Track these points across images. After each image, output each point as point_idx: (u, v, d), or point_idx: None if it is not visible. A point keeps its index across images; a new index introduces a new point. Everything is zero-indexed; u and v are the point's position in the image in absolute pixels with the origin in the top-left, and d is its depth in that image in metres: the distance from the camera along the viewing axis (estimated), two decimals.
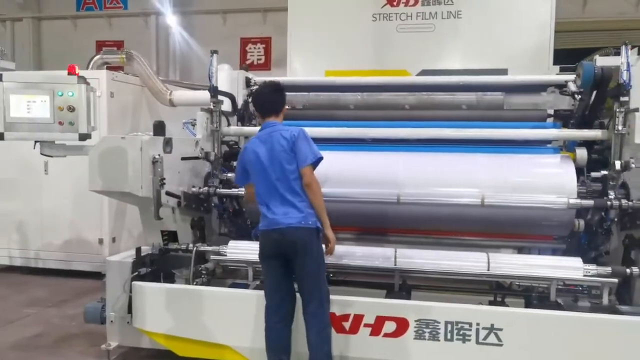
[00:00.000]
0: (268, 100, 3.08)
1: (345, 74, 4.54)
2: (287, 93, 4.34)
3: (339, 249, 3.38)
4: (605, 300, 2.99)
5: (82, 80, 3.28)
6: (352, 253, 3.36)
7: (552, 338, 2.79)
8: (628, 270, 2.97)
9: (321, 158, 2.93)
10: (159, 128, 3.35)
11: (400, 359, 2.92)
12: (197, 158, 3.65)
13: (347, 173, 3.59)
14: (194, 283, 3.36)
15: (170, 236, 3.57)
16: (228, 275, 3.72)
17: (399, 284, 3.24)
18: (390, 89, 4.24)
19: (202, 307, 3.13)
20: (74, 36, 10.71)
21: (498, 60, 4.50)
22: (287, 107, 4.36)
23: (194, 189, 3.58)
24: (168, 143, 3.31)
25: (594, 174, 3.34)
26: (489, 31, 4.65)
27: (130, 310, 3.26)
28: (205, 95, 4.08)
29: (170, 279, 3.51)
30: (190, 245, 3.45)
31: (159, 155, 3.19)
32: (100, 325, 3.46)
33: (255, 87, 4.30)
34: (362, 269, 3.30)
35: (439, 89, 4.16)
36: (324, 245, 2.95)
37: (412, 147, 3.73)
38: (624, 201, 3.10)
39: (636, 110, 3.22)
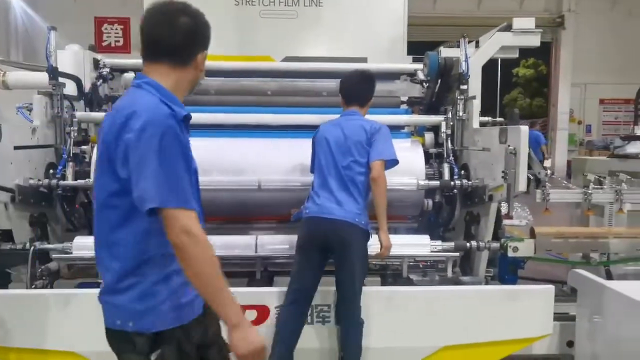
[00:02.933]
0: (355, 89, 2.99)
1: (208, 58, 4.37)
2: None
3: None
4: (449, 272, 3.24)
5: None
6: (212, 243, 3.23)
7: (405, 312, 2.97)
8: (468, 244, 3.25)
9: (397, 162, 2.86)
10: None
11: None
12: (33, 147, 3.27)
13: (207, 160, 3.46)
14: (33, 286, 3.02)
15: (5, 235, 3.17)
16: (77, 274, 3.41)
17: (261, 271, 3.22)
18: (253, 75, 4.18)
19: (42, 312, 2.82)
20: None
21: (358, 49, 4.64)
22: None
23: (31, 182, 3.21)
24: None
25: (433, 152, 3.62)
26: (349, 21, 4.78)
27: None
28: (45, 77, 3.67)
29: (4, 279, 3.12)
30: (28, 244, 3.08)
31: None
32: None
33: (103, 70, 3.97)
34: (223, 258, 3.19)
35: (301, 75, 4.20)
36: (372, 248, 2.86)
37: (273, 132, 3.71)
38: (464, 181, 3.38)
39: (474, 97, 3.52)
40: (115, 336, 1.64)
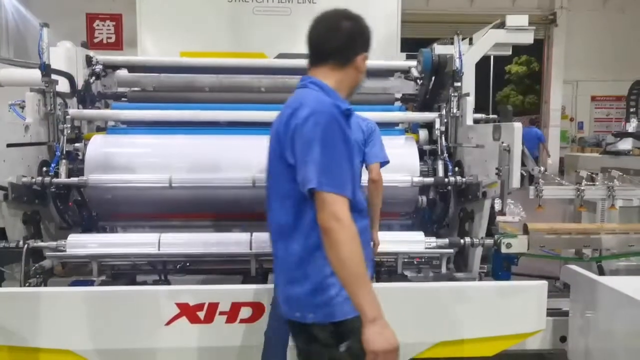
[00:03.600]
0: None
1: (202, 55, 4.37)
2: (135, 74, 4.17)
3: (194, 237, 3.27)
4: (443, 269, 3.26)
5: None
6: (207, 240, 3.25)
7: (399, 308, 2.98)
8: (462, 241, 3.27)
9: (388, 162, 2.83)
10: None
11: (258, 342, 2.90)
12: (26, 145, 3.25)
13: (201, 158, 3.47)
14: (27, 284, 3.01)
15: None
16: (72, 272, 3.40)
17: (256, 268, 3.22)
18: (246, 71, 4.17)
19: (36, 310, 2.80)
20: None
21: None
22: (136, 88, 4.16)
23: (24, 179, 3.18)
24: None
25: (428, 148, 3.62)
26: None
27: None
28: (37, 74, 3.64)
29: None
30: (21, 243, 3.07)
31: None
32: None
33: (96, 67, 3.96)
34: (218, 256, 3.21)
35: (294, 72, 4.19)
36: None
37: (267, 129, 3.67)
38: (458, 178, 3.39)
39: (467, 95, 3.53)
40: (297, 328, 1.67)
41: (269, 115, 3.63)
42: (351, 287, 1.51)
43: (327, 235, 1.50)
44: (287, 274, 1.66)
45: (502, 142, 2.94)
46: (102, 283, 3.07)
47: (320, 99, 1.64)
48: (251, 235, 3.22)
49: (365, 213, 1.77)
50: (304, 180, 1.54)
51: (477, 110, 3.71)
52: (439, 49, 3.96)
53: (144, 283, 3.26)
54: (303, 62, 3.99)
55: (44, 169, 3.37)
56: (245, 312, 2.86)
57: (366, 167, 2.82)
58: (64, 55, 3.90)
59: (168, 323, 2.83)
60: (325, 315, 1.59)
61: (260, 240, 3.20)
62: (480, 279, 3.38)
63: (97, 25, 9.33)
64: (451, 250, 3.24)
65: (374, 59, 4.29)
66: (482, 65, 4.14)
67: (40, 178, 3.23)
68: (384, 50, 4.75)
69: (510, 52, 4.19)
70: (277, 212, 1.68)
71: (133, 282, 3.25)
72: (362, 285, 1.51)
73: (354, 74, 1.80)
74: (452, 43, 3.62)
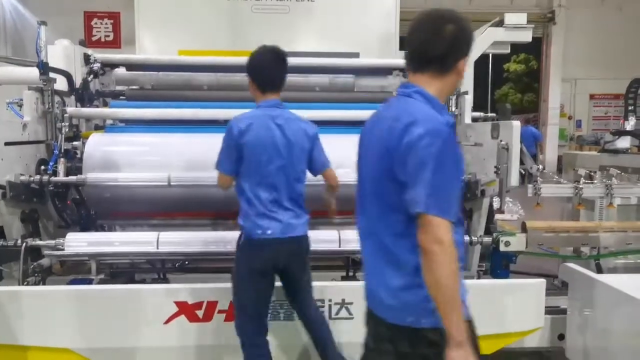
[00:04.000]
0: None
1: (200, 54, 4.37)
2: (133, 72, 4.16)
3: (194, 235, 3.27)
4: None
5: None
6: (206, 239, 3.25)
7: None
8: None
9: None
10: None
11: None
12: (24, 143, 3.24)
13: (200, 156, 3.46)
14: (25, 283, 3.01)
15: None
16: (70, 271, 3.40)
17: None
18: (244, 70, 4.14)
19: (34, 308, 2.81)
20: None
21: (350, 45, 4.65)
22: (134, 87, 4.15)
23: (22, 178, 3.18)
24: None
25: None
26: (342, 16, 4.78)
27: None
28: (35, 72, 3.64)
29: None
30: (19, 241, 3.06)
31: None
32: None
33: (94, 65, 3.95)
34: (217, 254, 3.20)
35: (293, 70, 4.17)
36: None
37: None
38: None
39: (466, 93, 3.54)
40: (404, 333, 1.68)
41: None
42: (444, 309, 1.55)
43: (426, 257, 1.55)
44: (404, 281, 1.68)
45: (501, 141, 2.94)
46: (101, 281, 3.07)
47: (431, 115, 1.63)
48: None
49: (461, 223, 1.79)
50: (412, 202, 1.57)
51: (475, 108, 3.72)
52: None
53: (143, 281, 3.26)
54: (301, 61, 4.10)
55: (42, 167, 3.36)
56: None
57: (315, 174, 2.81)
58: (62, 53, 3.89)
59: (167, 321, 2.83)
60: (437, 320, 1.60)
61: None
62: (479, 277, 3.39)
63: (95, 23, 9.31)
64: None
65: (372, 57, 4.38)
66: (480, 63, 4.14)
67: (38, 176, 3.23)
68: (382, 48, 4.76)
69: (508, 50, 4.19)
70: (383, 220, 1.70)
71: (132, 281, 3.25)
72: (455, 310, 1.55)
73: (454, 79, 1.75)
74: None
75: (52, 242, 3.13)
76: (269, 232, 2.59)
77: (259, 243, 2.60)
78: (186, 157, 3.43)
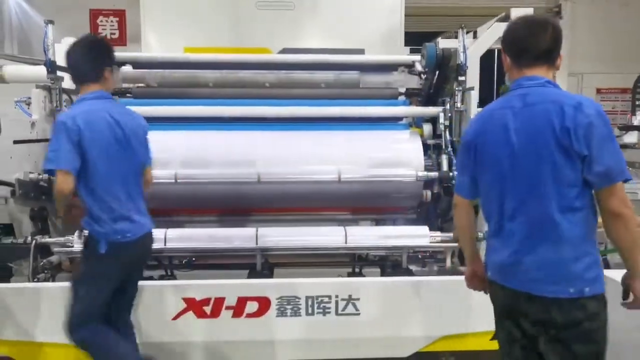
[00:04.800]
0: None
1: (206, 51, 4.38)
2: (140, 70, 4.17)
3: (200, 232, 3.29)
4: (448, 263, 3.27)
5: None
6: (213, 235, 3.27)
7: (403, 302, 3.00)
8: None
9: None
10: None
11: (263, 337, 2.94)
12: (33, 141, 3.27)
13: (206, 154, 3.49)
14: (35, 280, 3.04)
15: (6, 230, 3.19)
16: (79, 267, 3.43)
17: (261, 263, 3.24)
18: (251, 67, 4.17)
19: (45, 305, 2.85)
20: None
21: (355, 41, 4.64)
22: (141, 84, 4.18)
23: (31, 176, 3.21)
24: None
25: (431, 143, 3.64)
26: (347, 12, 4.78)
27: None
28: (44, 70, 3.66)
29: (6, 273, 3.14)
30: (29, 238, 3.10)
31: None
32: None
33: None
34: (224, 250, 3.23)
35: (299, 67, 4.19)
36: None
37: (271, 125, 3.71)
38: None
39: (472, 89, 3.53)
40: (563, 305, 1.81)
41: (273, 110, 3.69)
42: (635, 257, 1.82)
43: (621, 220, 1.78)
44: (569, 253, 1.82)
45: None
46: None
47: (584, 97, 1.86)
48: (257, 230, 3.23)
49: None
50: (604, 173, 1.76)
51: (481, 104, 3.71)
52: (443, 43, 3.94)
53: (151, 278, 3.28)
54: (307, 57, 4.10)
55: None
56: (251, 307, 2.89)
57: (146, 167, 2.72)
58: None
59: (175, 318, 2.86)
60: (597, 288, 1.82)
61: (266, 235, 3.22)
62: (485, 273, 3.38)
63: (101, 21, 9.30)
64: (455, 244, 3.25)
65: (377, 53, 4.37)
66: (486, 58, 4.12)
67: (47, 174, 3.25)
68: (387, 44, 4.75)
69: None
70: (553, 197, 1.82)
71: None
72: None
73: (555, 70, 2.02)
74: (456, 37, 3.61)
75: (61, 239, 3.16)
76: (128, 235, 2.47)
77: (117, 247, 2.45)
78: (193, 154, 3.45)
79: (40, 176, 3.23)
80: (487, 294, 2.11)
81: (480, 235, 3.23)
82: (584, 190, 1.80)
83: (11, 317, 2.85)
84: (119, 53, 4.32)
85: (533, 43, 1.93)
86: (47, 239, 3.17)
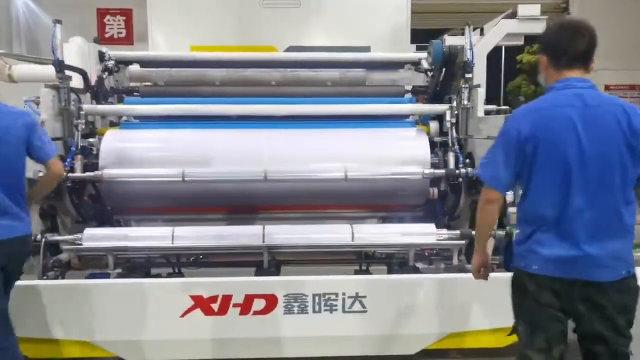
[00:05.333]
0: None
1: (212, 49, 4.40)
2: (147, 69, 4.20)
3: (207, 230, 3.31)
4: (455, 260, 3.26)
5: None
6: (220, 233, 3.28)
7: (410, 299, 3.00)
8: (473, 232, 3.26)
9: None
10: None
11: (270, 334, 2.95)
12: None
13: (212, 152, 3.50)
14: (45, 277, 3.07)
15: None
16: (88, 265, 3.46)
17: (268, 260, 3.25)
18: (257, 65, 4.18)
19: (54, 302, 2.87)
20: None
21: (361, 39, 4.64)
22: (148, 83, 4.20)
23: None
24: None
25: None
26: (352, 10, 4.78)
27: None
28: (52, 70, 3.69)
29: None
30: (39, 236, 3.12)
31: None
32: None
33: (109, 62, 4.00)
34: (230, 248, 3.24)
35: (304, 65, 4.20)
36: None
37: (278, 123, 3.72)
38: (469, 170, 3.39)
39: (478, 86, 3.52)
40: (621, 286, 1.99)
41: (280, 108, 3.70)
42: None
43: None
44: (625, 240, 2.01)
45: None
46: (118, 276, 3.12)
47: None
48: (264, 228, 3.24)
49: None
50: None
51: (487, 100, 3.70)
52: (450, 40, 3.94)
53: (159, 276, 3.31)
54: (312, 55, 4.10)
55: None
56: (258, 304, 2.91)
57: (43, 162, 2.72)
58: (77, 51, 3.93)
59: (183, 315, 2.88)
60: (634, 268, 2.01)
61: (273, 232, 3.23)
62: (492, 271, 3.37)
63: (108, 20, 9.33)
64: (462, 242, 3.25)
65: (383, 51, 4.37)
66: (493, 55, 4.11)
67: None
68: (393, 41, 4.75)
69: (522, 42, 4.16)
70: (621, 192, 1.98)
71: (148, 275, 3.30)
72: None
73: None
74: (462, 34, 3.60)
75: (70, 237, 3.18)
76: None
77: None
78: (200, 152, 3.47)
79: None
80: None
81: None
82: (634, 185, 2.00)
83: (23, 315, 2.87)
84: (126, 52, 4.38)
85: (573, 46, 2.02)
86: (56, 237, 3.19)
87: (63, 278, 3.19)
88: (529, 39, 4.28)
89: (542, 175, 2.01)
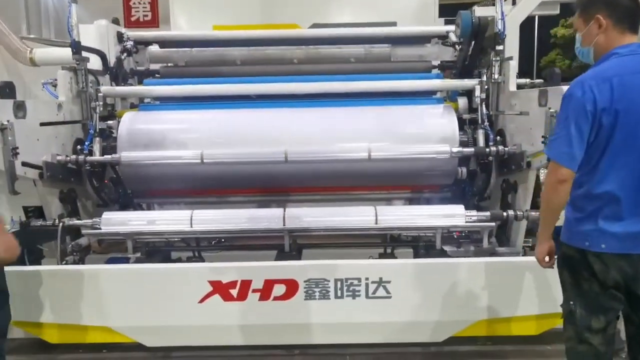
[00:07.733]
0: None
1: (235, 28, 4.30)
2: (167, 49, 4.12)
3: (227, 213, 3.23)
4: (485, 243, 3.10)
5: None
6: (240, 216, 3.20)
7: (437, 285, 2.87)
8: (505, 214, 3.10)
9: None
10: (6, 90, 2.91)
11: (291, 321, 2.87)
12: (59, 123, 3.26)
13: (233, 132, 3.41)
14: (64, 262, 3.05)
15: (36, 212, 3.20)
16: (108, 249, 3.44)
17: (290, 243, 3.15)
18: (279, 43, 4.06)
19: (74, 287, 2.85)
20: None
21: (387, 14, 4.47)
22: (168, 64, 4.12)
23: (59, 158, 3.20)
24: (20, 107, 2.90)
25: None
26: None
27: None
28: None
29: (36, 255, 3.16)
30: (57, 221, 3.10)
31: (8, 121, 2.78)
32: None
33: (127, 43, 3.93)
34: (250, 232, 3.15)
35: (327, 42, 4.06)
36: None
37: (301, 102, 3.60)
38: (500, 147, 3.20)
39: (510, 58, 3.30)
40: None
41: (302, 87, 3.57)
42: None
43: None
44: None
45: (550, 108, 2.72)
46: (137, 260, 3.08)
47: None
48: (284, 211, 3.14)
49: None
50: None
51: (520, 74, 3.47)
52: (479, 11, 3.71)
53: (179, 260, 3.25)
54: (338, 31, 3.95)
55: (78, 147, 3.38)
56: (278, 290, 2.82)
57: None
58: (96, 32, 3.88)
59: (201, 300, 2.82)
60: None
61: (294, 215, 3.12)
62: (525, 254, 3.20)
63: (134, 3, 9.30)
64: (493, 224, 3.08)
65: (410, 25, 4.18)
66: (525, 27, 3.85)
67: (74, 156, 3.24)
68: (420, 15, 4.57)
69: (558, 11, 3.89)
70: None
71: (167, 259, 3.25)
72: None
73: None
74: (493, 4, 3.38)
75: (89, 221, 3.15)
76: None
77: None
78: (221, 134, 3.38)
79: (68, 158, 3.22)
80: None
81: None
82: None
83: (44, 300, 2.87)
84: (144, 32, 4.32)
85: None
86: (74, 221, 3.17)
87: (83, 262, 3.17)
88: (565, 9, 4.00)
89: (617, 149, 1.82)
